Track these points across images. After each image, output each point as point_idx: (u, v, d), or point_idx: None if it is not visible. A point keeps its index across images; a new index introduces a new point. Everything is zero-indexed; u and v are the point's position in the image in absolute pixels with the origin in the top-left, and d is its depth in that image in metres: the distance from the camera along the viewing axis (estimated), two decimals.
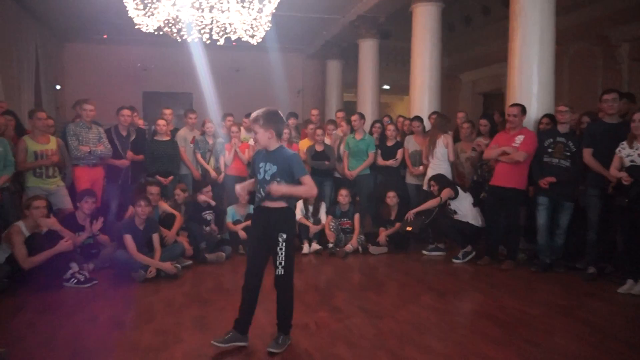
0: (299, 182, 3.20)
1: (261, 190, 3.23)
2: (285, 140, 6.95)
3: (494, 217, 5.50)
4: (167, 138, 6.57)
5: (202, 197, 5.93)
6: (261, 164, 3.26)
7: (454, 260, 5.62)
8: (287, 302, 3.32)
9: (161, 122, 6.57)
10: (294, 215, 3.42)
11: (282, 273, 3.23)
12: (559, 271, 5.15)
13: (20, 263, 4.44)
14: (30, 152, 5.33)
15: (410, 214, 5.93)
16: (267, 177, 3.20)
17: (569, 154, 5.09)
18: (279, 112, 3.32)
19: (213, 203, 6.04)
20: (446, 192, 5.72)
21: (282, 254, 3.20)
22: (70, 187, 5.79)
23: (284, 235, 3.20)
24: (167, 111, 7.14)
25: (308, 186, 3.22)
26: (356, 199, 6.86)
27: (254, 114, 3.26)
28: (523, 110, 5.36)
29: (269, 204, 3.22)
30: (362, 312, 3.95)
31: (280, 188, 3.10)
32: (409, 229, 5.93)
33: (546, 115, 5.59)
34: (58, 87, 11.49)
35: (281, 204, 3.22)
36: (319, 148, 6.78)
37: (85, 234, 5.18)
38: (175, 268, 4.94)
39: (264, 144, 3.24)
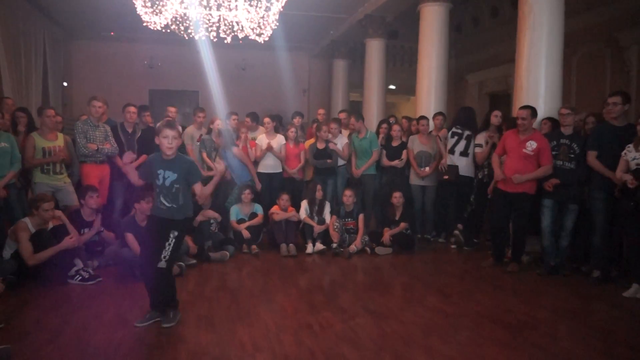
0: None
1: (161, 197, 3.52)
2: (292, 139, 6.97)
3: (501, 220, 5.44)
4: None
5: (206, 215, 5.82)
6: (160, 171, 3.51)
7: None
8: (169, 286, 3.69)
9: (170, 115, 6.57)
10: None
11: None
12: (564, 274, 5.12)
13: (25, 259, 4.47)
14: (39, 149, 5.35)
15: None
16: (167, 184, 3.50)
17: (573, 155, 5.06)
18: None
19: (219, 218, 5.96)
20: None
21: (169, 248, 3.52)
22: (78, 184, 5.82)
23: (175, 232, 3.54)
24: (172, 109, 7.14)
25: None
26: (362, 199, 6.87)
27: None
28: (533, 112, 5.19)
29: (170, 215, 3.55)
30: (367, 312, 3.95)
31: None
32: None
33: (547, 118, 5.55)
34: (65, 83, 11.54)
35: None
36: (320, 146, 6.77)
37: (92, 231, 5.20)
38: (178, 268, 4.94)
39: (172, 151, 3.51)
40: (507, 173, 5.20)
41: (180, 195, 3.54)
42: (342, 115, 7.77)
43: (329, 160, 6.75)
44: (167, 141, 3.45)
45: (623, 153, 4.54)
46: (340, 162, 6.95)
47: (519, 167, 5.14)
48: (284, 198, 6.17)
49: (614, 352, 3.25)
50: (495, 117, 6.13)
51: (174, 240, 3.51)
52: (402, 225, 6.14)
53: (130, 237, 4.93)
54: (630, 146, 4.51)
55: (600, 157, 4.83)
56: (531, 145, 5.10)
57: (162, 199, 3.52)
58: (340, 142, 6.90)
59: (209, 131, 6.84)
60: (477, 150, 6.13)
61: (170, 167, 3.50)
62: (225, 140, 6.53)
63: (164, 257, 3.49)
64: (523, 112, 5.16)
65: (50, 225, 4.79)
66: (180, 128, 6.52)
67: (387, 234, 6.12)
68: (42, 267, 4.54)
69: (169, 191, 3.50)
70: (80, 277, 4.63)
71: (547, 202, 5.17)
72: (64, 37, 11.37)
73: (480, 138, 6.13)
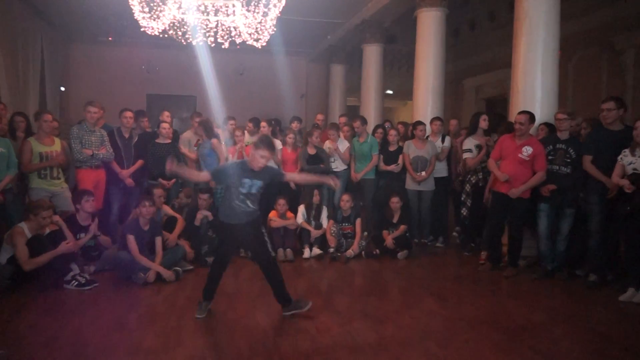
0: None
1: (248, 202, 3.82)
2: (290, 145, 6.98)
3: (496, 223, 5.45)
4: (169, 141, 6.56)
5: (201, 215, 5.83)
6: (245, 180, 3.78)
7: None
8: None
9: (165, 125, 6.57)
10: None
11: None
12: (561, 278, 5.13)
13: (21, 264, 4.45)
14: (36, 154, 5.34)
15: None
16: (253, 191, 3.83)
17: (569, 160, 5.08)
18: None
19: (211, 217, 5.96)
20: None
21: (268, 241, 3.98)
22: (74, 189, 5.80)
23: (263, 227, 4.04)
24: (166, 113, 7.14)
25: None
26: (360, 204, 6.87)
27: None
28: (531, 118, 5.22)
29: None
30: (364, 316, 3.95)
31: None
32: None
33: (543, 124, 5.58)
34: (62, 88, 11.53)
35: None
36: (311, 151, 6.77)
37: (88, 236, 5.18)
38: (173, 274, 4.93)
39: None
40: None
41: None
42: (342, 120, 7.78)
43: (321, 165, 6.76)
44: (264, 161, 3.77)
45: (619, 157, 4.56)
46: (342, 166, 6.95)
47: (515, 171, 5.15)
48: (281, 203, 6.16)
49: (610, 355, 3.26)
50: (484, 121, 6.16)
51: (265, 233, 3.98)
52: (402, 227, 6.16)
53: (131, 239, 4.92)
54: (627, 151, 4.53)
55: (597, 162, 4.84)
56: (527, 150, 5.11)
57: (249, 203, 3.83)
58: (342, 146, 6.92)
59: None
60: (467, 155, 6.09)
61: (257, 177, 3.81)
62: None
63: (270, 249, 3.94)
64: (521, 117, 5.17)
65: (47, 230, 4.78)
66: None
67: (390, 237, 6.11)
68: (39, 272, 4.52)
69: (255, 197, 3.86)
70: (76, 282, 4.62)
71: (544, 207, 5.18)
72: (62, 41, 11.36)
73: (469, 143, 6.11)
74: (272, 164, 4.10)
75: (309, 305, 3.96)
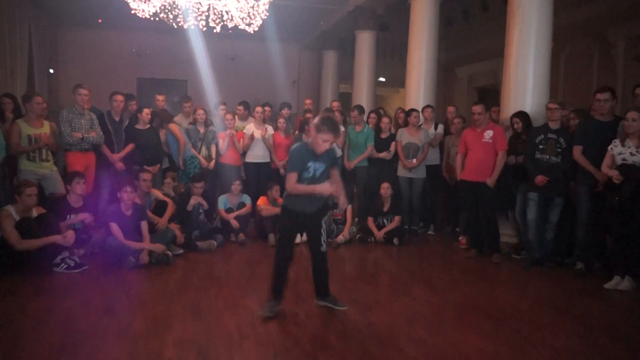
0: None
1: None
2: (282, 130, 6.96)
3: (471, 211, 5.65)
4: (148, 126, 6.48)
5: (194, 200, 5.82)
6: (310, 164, 3.49)
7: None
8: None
9: (146, 110, 6.48)
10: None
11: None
12: (548, 266, 5.19)
13: (13, 244, 4.42)
14: (24, 136, 5.29)
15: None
16: (317, 175, 3.53)
17: (559, 150, 5.12)
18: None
19: (206, 206, 5.93)
20: None
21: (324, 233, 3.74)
22: (63, 172, 5.76)
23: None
24: (160, 97, 7.07)
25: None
26: (354, 191, 6.89)
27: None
28: (486, 107, 5.66)
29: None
30: (353, 302, 3.97)
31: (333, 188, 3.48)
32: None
33: (516, 115, 5.57)
34: (51, 71, 11.37)
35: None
36: (306, 138, 6.75)
37: (80, 218, 5.15)
38: (164, 247, 4.95)
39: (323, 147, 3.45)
40: (470, 165, 5.55)
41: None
42: (335, 105, 7.76)
43: None
44: (327, 145, 3.43)
45: (609, 148, 4.59)
46: (337, 152, 6.92)
47: (482, 157, 5.46)
48: (276, 189, 6.12)
49: (594, 341, 3.31)
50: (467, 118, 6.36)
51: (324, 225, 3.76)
52: (397, 219, 6.19)
53: (114, 227, 4.90)
54: (617, 141, 4.57)
55: (587, 152, 4.88)
56: (488, 134, 5.47)
57: None
58: None
59: (195, 121, 6.76)
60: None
61: (319, 159, 3.53)
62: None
63: (324, 241, 3.75)
64: (478, 108, 5.57)
65: (35, 213, 4.74)
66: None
67: (382, 231, 6.13)
68: (27, 255, 4.50)
69: (319, 182, 3.52)
70: (65, 265, 4.60)
71: (534, 196, 5.23)
72: (51, 24, 11.16)
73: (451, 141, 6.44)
74: (334, 146, 3.70)
75: (344, 307, 3.70)
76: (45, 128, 5.48)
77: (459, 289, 4.46)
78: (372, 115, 7.30)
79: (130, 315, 3.56)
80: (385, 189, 6.24)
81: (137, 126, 6.39)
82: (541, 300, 4.20)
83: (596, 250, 5.03)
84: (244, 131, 6.89)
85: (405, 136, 6.66)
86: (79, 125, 5.73)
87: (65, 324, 3.39)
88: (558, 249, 5.33)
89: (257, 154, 6.85)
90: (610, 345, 3.26)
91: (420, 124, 6.87)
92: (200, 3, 6.27)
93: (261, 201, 6.20)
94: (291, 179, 3.49)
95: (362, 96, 10.00)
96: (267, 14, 6.61)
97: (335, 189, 3.50)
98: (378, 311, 3.79)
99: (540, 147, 5.19)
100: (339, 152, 6.83)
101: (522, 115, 5.55)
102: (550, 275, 4.95)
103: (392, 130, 6.93)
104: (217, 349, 3.06)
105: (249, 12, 6.47)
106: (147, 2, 6.27)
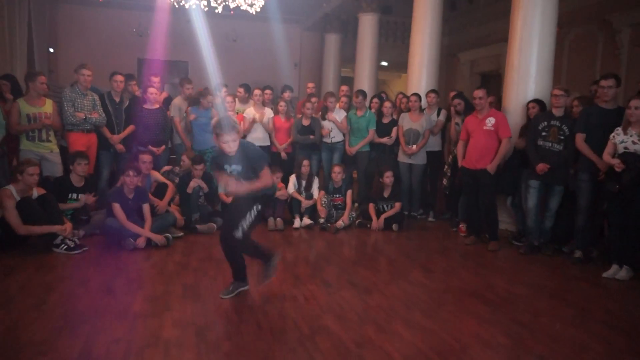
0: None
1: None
2: (283, 113, 6.93)
3: (470, 197, 5.62)
4: (158, 106, 6.45)
5: (195, 183, 5.79)
6: (226, 166, 3.53)
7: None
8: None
9: (152, 90, 6.40)
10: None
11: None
12: (547, 254, 5.21)
13: (14, 228, 4.43)
14: (23, 115, 5.27)
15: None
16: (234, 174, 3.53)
17: (562, 137, 5.10)
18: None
19: (206, 189, 5.90)
20: None
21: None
22: (65, 152, 5.74)
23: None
24: (155, 79, 7.01)
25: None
26: (354, 176, 6.89)
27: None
28: (488, 92, 5.52)
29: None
30: (352, 286, 3.99)
31: (240, 188, 3.48)
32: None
33: (533, 100, 5.57)
34: (51, 50, 11.28)
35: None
36: (305, 122, 6.75)
37: (82, 201, 5.18)
38: (164, 239, 4.94)
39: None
40: (472, 152, 5.47)
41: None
42: (344, 88, 7.71)
43: (311, 137, 6.73)
44: (231, 145, 3.39)
45: (611, 136, 4.56)
46: (339, 136, 6.90)
47: (484, 144, 5.39)
48: (278, 175, 6.11)
49: (590, 328, 3.33)
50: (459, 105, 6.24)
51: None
52: (398, 205, 6.19)
53: (117, 207, 4.90)
54: (619, 129, 4.54)
55: (589, 140, 4.85)
56: (490, 121, 5.37)
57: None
58: (339, 115, 6.88)
59: (194, 102, 6.66)
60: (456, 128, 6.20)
61: (233, 161, 3.50)
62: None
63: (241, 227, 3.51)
64: (479, 92, 5.43)
65: (35, 193, 4.74)
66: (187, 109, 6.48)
67: (381, 218, 6.12)
68: (27, 235, 4.52)
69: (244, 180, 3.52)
70: (65, 246, 4.61)
71: (534, 183, 5.22)
72: (50, 2, 11.05)
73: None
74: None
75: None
76: (48, 107, 5.44)
77: (457, 274, 4.48)
78: (375, 100, 7.25)
79: (129, 296, 3.59)
80: (389, 177, 6.19)
81: (145, 106, 6.31)
82: (538, 287, 4.22)
83: (594, 239, 5.04)
84: (244, 115, 6.85)
85: (406, 121, 6.63)
86: (81, 106, 5.70)
87: (65, 303, 3.42)
88: (556, 236, 5.34)
89: (257, 137, 6.82)
90: (607, 333, 3.28)
91: (423, 109, 6.83)
92: None
93: None
94: (216, 176, 3.89)
95: (364, 80, 9.93)
96: None
97: (235, 188, 3.53)
98: (376, 295, 3.82)
99: (543, 134, 5.16)
100: (339, 137, 6.83)
101: (539, 101, 5.53)
102: (549, 263, 4.97)
103: (394, 116, 6.90)
104: (216, 330, 3.08)
105: None
106: None
